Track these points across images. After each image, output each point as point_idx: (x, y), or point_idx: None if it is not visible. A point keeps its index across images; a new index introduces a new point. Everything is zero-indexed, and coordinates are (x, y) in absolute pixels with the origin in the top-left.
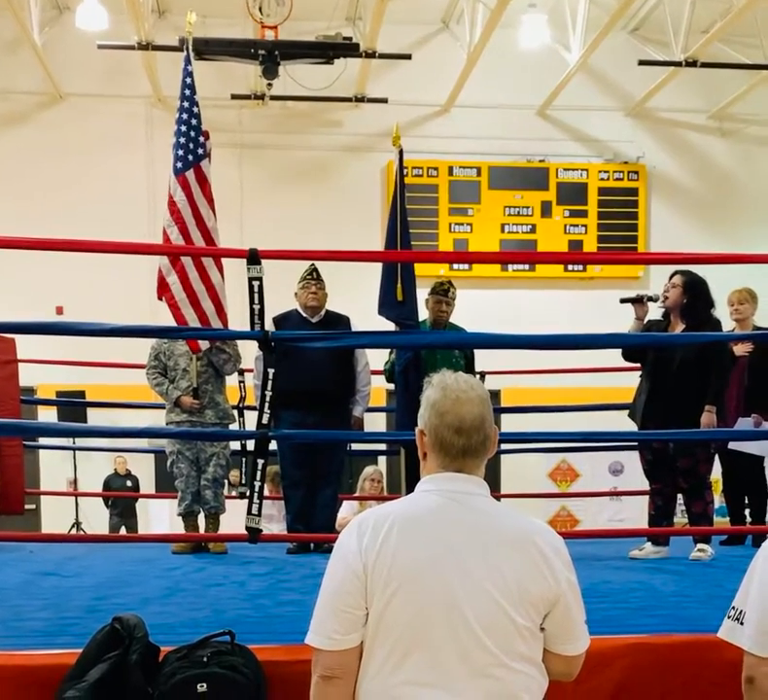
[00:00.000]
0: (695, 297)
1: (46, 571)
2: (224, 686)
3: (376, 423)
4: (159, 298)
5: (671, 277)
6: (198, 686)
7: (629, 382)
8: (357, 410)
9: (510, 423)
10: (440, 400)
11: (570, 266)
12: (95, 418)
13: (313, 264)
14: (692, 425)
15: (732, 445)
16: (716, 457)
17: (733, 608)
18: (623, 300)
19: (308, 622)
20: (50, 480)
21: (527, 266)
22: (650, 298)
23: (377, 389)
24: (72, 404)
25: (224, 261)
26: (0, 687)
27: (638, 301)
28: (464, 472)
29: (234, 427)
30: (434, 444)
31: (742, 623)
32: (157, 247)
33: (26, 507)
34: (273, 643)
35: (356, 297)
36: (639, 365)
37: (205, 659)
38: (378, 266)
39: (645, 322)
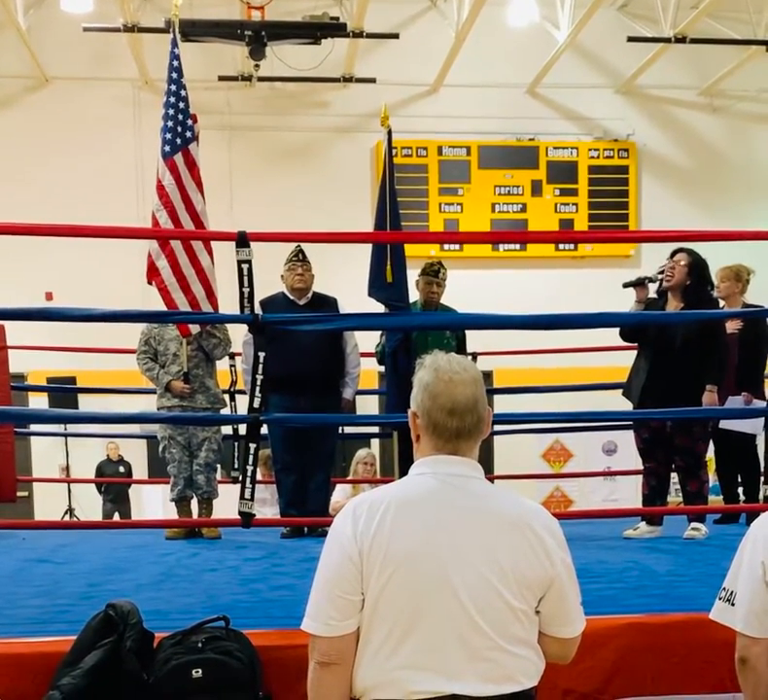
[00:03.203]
0: (700, 276)
1: (39, 558)
2: (218, 672)
3: (368, 406)
4: (149, 283)
5: (672, 255)
6: (193, 672)
7: (621, 362)
8: (347, 393)
9: (503, 404)
10: (433, 381)
11: (561, 246)
12: (87, 404)
13: (299, 246)
14: (692, 404)
15: (723, 424)
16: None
17: (724, 588)
18: (626, 285)
19: (303, 607)
20: (42, 468)
21: (518, 246)
22: (651, 280)
23: (369, 371)
24: (63, 391)
25: (213, 244)
26: None
27: (639, 285)
28: (458, 455)
29: (226, 412)
30: (427, 426)
31: (733, 604)
32: (145, 231)
33: (18, 494)
34: (268, 627)
35: (345, 279)
36: (635, 344)
37: (200, 645)
38: (368, 248)
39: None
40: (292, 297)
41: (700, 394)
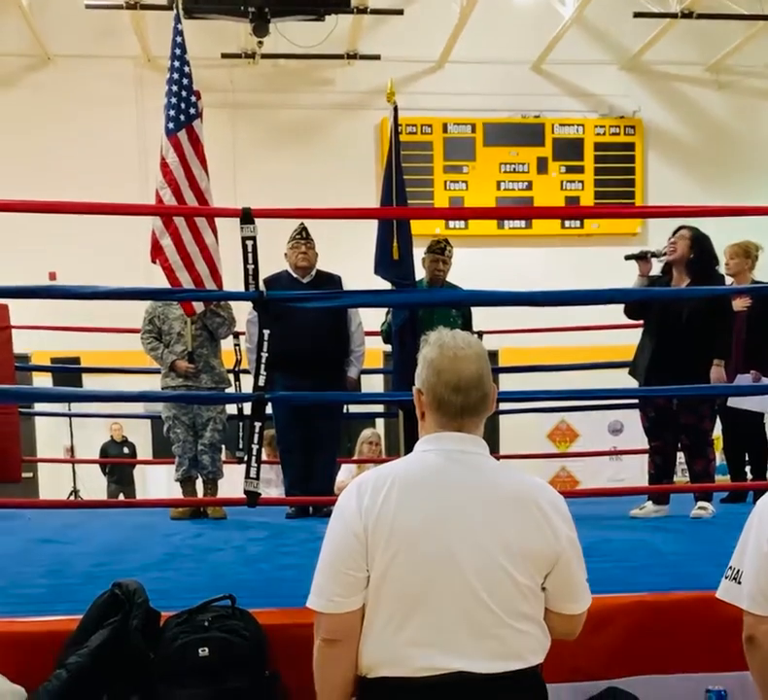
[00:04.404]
0: (702, 251)
1: (44, 538)
2: (225, 650)
3: (374, 386)
4: (153, 261)
5: (675, 232)
6: (200, 651)
7: (627, 340)
8: (352, 371)
9: (509, 383)
10: (438, 358)
11: (567, 223)
12: (91, 385)
13: (302, 224)
14: (699, 381)
15: (731, 402)
16: (717, 414)
17: (730, 567)
18: (627, 257)
19: (308, 585)
20: (46, 449)
21: (523, 224)
22: (654, 254)
23: (374, 350)
24: (67, 371)
25: (217, 221)
26: (1, 653)
27: (642, 258)
28: (463, 431)
29: (231, 391)
30: (432, 403)
31: (739, 582)
32: (149, 208)
33: (23, 475)
34: (274, 606)
35: (350, 257)
36: (640, 322)
37: (206, 624)
38: (373, 226)
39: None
40: (295, 276)
41: (707, 370)
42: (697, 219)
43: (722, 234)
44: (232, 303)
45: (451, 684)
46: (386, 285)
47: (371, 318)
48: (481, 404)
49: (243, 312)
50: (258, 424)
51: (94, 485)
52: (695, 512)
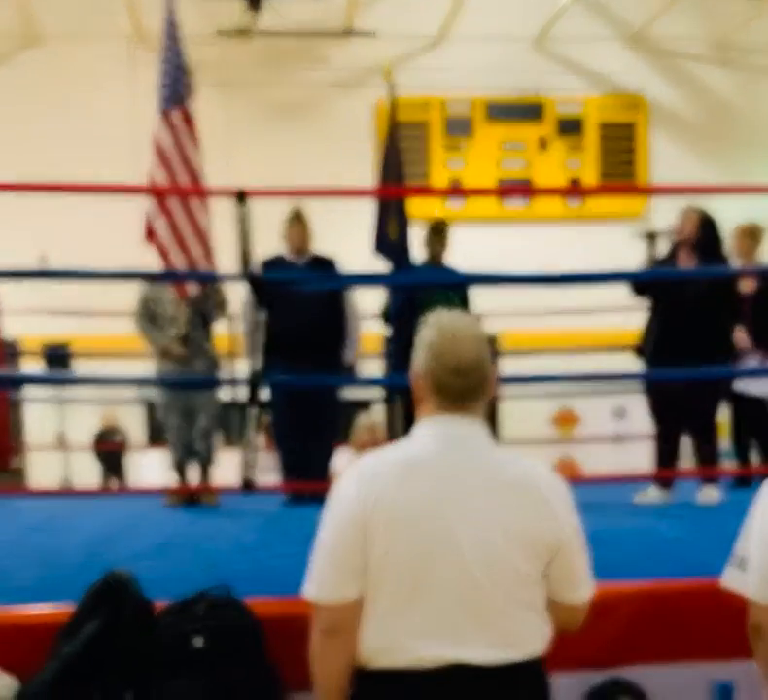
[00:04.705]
0: (708, 231)
1: (35, 527)
2: (220, 641)
3: (370, 372)
4: (146, 243)
5: (682, 212)
6: (194, 641)
7: (628, 324)
8: (348, 355)
9: (510, 368)
10: (436, 340)
11: (569, 204)
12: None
13: (297, 206)
14: (706, 361)
15: (737, 387)
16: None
17: (735, 555)
18: (635, 238)
19: (305, 574)
20: (37, 438)
21: (524, 204)
22: (661, 235)
23: (371, 336)
24: (57, 357)
25: (211, 202)
26: None
27: (650, 238)
28: (463, 415)
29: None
30: (431, 386)
31: (744, 570)
32: (142, 188)
33: (13, 465)
34: (269, 596)
35: (348, 237)
36: (645, 303)
37: (201, 614)
38: (369, 207)
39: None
40: (291, 258)
41: (713, 351)
42: (702, 197)
43: (727, 215)
44: (226, 286)
45: (451, 677)
46: (384, 266)
47: (369, 301)
48: (481, 387)
49: (237, 295)
50: (253, 409)
51: (86, 474)
52: (700, 498)
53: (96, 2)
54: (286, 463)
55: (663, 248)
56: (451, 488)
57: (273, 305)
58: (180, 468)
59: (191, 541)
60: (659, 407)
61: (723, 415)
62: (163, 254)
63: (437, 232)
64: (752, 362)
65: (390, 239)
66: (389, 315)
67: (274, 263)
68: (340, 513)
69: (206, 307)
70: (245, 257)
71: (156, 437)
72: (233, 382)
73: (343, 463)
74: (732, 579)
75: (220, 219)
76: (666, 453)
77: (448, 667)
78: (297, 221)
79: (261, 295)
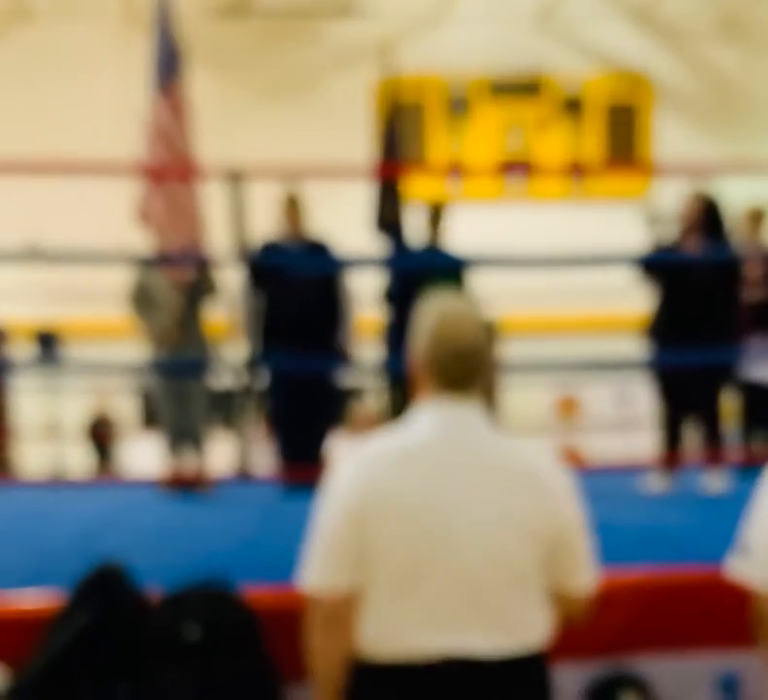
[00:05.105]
0: (713, 213)
1: (27, 516)
2: (215, 632)
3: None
4: (139, 225)
5: (686, 198)
6: (188, 632)
7: (628, 310)
8: (343, 341)
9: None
10: (435, 324)
11: (571, 186)
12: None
13: (292, 189)
14: (712, 344)
15: (750, 376)
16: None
17: (739, 543)
18: (640, 221)
19: (301, 564)
20: (27, 426)
21: (524, 187)
22: (666, 218)
23: (370, 319)
24: (46, 342)
25: (205, 183)
26: None
27: (655, 222)
28: (462, 400)
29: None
30: (429, 371)
31: (748, 558)
32: (135, 169)
33: (2, 453)
34: (265, 586)
35: (344, 217)
36: (651, 286)
37: (195, 605)
38: (365, 190)
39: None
40: (286, 241)
41: (719, 335)
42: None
43: (734, 191)
44: (218, 269)
45: (451, 671)
46: (380, 246)
47: (366, 285)
48: (480, 372)
49: (232, 279)
50: (248, 394)
51: (78, 462)
52: (705, 485)
53: None
54: (282, 450)
55: (669, 232)
56: (450, 475)
57: (268, 290)
58: (173, 453)
59: (185, 529)
60: (665, 392)
61: (730, 402)
62: (156, 235)
63: (435, 213)
64: (758, 346)
65: (388, 221)
66: (391, 295)
67: (269, 246)
68: (336, 502)
69: (199, 290)
70: (241, 239)
71: (149, 421)
72: (228, 367)
73: (338, 447)
74: (736, 567)
75: (213, 201)
76: (670, 440)
77: (447, 659)
78: (292, 205)
79: (255, 278)
